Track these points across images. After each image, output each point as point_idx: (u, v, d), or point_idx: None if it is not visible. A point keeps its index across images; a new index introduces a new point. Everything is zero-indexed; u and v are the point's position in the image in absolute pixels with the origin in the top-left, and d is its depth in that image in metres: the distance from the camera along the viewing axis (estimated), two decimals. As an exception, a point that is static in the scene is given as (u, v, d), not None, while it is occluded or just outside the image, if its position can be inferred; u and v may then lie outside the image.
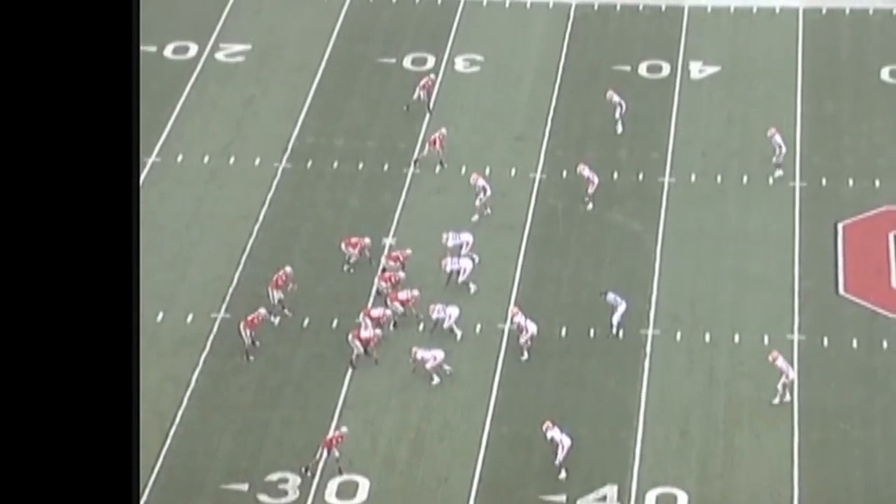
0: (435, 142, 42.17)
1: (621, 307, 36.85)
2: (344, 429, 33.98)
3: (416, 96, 43.94)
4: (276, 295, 37.42)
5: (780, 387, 34.82)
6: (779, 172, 41.30)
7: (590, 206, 40.59)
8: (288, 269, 37.66)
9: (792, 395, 34.86)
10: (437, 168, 42.25)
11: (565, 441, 33.17)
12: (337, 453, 33.41)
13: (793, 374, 34.87)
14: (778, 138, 41.33)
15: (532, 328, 36.20)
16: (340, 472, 33.42)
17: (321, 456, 33.40)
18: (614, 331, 36.81)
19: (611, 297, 37.03)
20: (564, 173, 42.03)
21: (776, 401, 34.79)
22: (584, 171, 40.71)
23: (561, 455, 33.07)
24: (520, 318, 36.39)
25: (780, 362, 34.90)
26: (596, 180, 40.55)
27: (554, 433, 33.25)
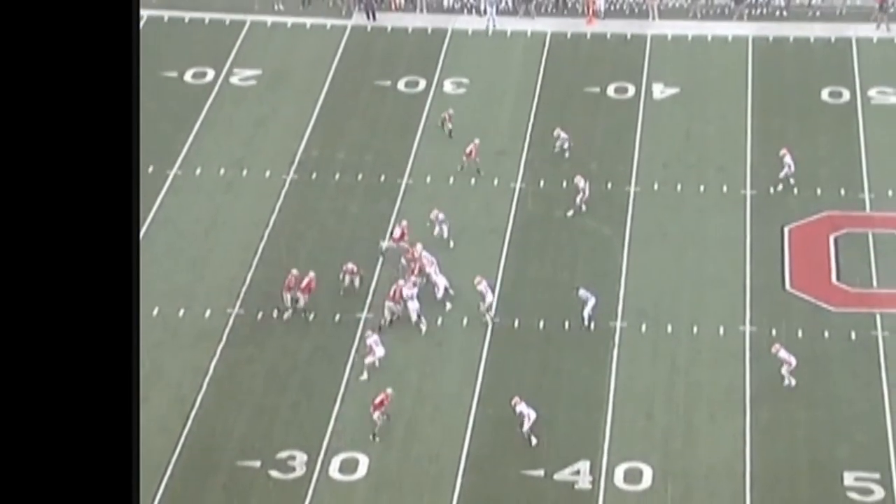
0: (471, 153, 41.83)
1: (591, 301, 36.74)
2: (389, 390, 33.80)
3: (441, 125, 43.40)
4: (289, 296, 37.02)
5: (784, 373, 34.67)
6: (780, 187, 41.00)
7: (580, 211, 40.32)
8: (294, 271, 37.20)
9: (795, 378, 34.72)
10: (473, 179, 41.98)
11: (531, 414, 33.18)
12: (386, 415, 33.49)
13: (794, 361, 34.66)
14: (788, 158, 41.00)
15: (489, 297, 36.43)
16: (374, 438, 33.48)
17: (379, 419, 33.48)
18: (586, 323, 36.69)
19: (582, 292, 36.92)
20: (542, 183, 41.89)
21: (785, 383, 34.65)
22: (580, 182, 40.52)
23: (527, 425, 33.13)
24: (482, 287, 36.41)
25: (783, 353, 34.74)
26: (587, 191, 40.33)
27: (521, 407, 33.25)
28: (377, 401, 33.71)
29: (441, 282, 37.40)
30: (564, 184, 41.41)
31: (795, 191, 41.56)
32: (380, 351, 35.28)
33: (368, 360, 35.38)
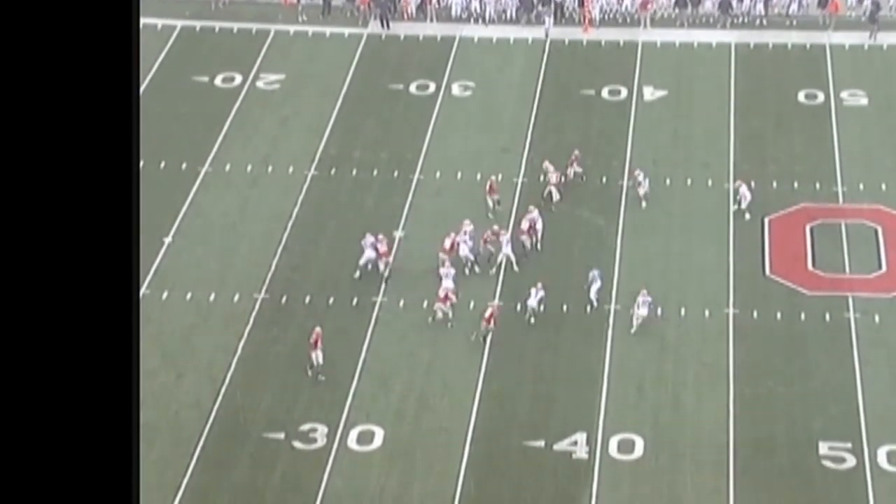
0: (573, 162, 41.10)
1: (597, 284, 36.45)
2: (496, 301, 34.21)
3: (491, 204, 40.45)
4: (316, 356, 34.58)
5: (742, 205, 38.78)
6: (747, 216, 39.95)
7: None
8: (318, 328, 34.79)
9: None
10: (479, 175, 41.54)
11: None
12: (493, 325, 34.54)
13: (749, 196, 38.39)
14: (744, 189, 40.15)
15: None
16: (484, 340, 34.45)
17: (486, 329, 34.34)
18: (594, 303, 36.33)
19: (592, 273, 36.65)
20: (541, 178, 41.60)
21: (743, 206, 38.94)
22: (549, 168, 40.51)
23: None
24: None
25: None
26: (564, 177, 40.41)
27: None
28: (488, 314, 35.13)
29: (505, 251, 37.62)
30: (563, 179, 41.06)
31: (774, 184, 41.27)
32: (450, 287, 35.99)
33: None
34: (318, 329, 34.62)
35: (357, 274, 37.71)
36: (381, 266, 37.71)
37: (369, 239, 37.95)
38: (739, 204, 39.97)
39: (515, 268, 37.68)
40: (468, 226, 38.23)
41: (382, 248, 37.77)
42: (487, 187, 40.25)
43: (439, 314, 36.06)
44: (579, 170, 41.23)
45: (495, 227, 38.25)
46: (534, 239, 38.45)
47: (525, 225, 38.45)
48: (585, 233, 39.63)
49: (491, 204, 39.84)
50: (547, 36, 49.05)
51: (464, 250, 37.74)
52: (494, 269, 37.79)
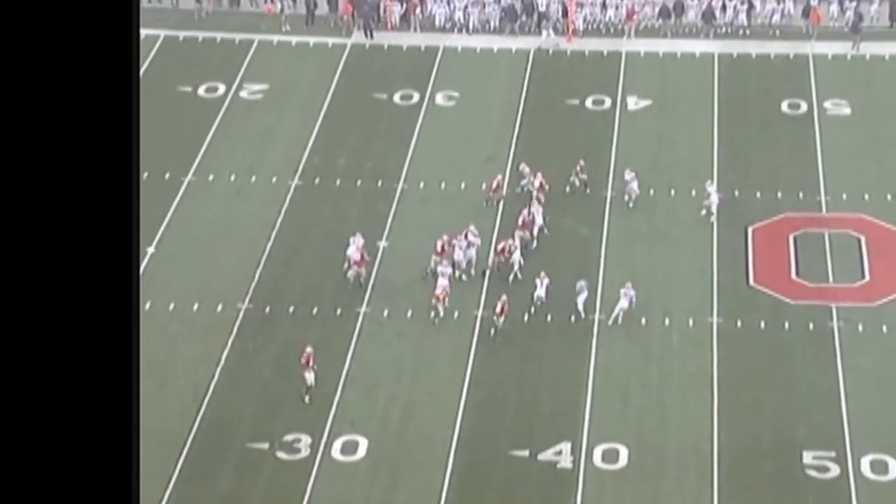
0: (579, 171, 41.47)
1: (583, 294, 36.65)
2: (511, 241, 36.00)
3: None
4: (308, 377, 34.32)
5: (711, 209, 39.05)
6: (712, 219, 40.36)
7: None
8: (309, 349, 34.62)
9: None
10: (463, 184, 41.93)
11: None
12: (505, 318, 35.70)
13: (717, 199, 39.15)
14: (714, 194, 40.51)
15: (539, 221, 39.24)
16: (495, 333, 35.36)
17: (498, 322, 35.67)
18: (581, 314, 36.56)
19: (580, 284, 36.85)
20: (522, 182, 41.74)
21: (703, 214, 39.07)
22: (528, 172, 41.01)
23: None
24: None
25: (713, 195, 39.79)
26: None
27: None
28: (500, 247, 36.87)
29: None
30: (547, 187, 41.26)
31: (758, 194, 41.54)
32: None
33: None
34: (308, 349, 34.42)
35: (346, 265, 37.89)
36: (356, 274, 37.82)
37: (359, 241, 38.08)
38: (708, 209, 40.24)
39: (520, 276, 37.70)
40: (473, 232, 38.39)
41: (356, 255, 37.81)
42: (494, 185, 40.69)
43: (432, 312, 36.45)
44: (584, 177, 41.44)
45: (511, 242, 38.13)
46: (532, 234, 38.95)
47: (520, 220, 39.00)
48: (569, 242, 39.80)
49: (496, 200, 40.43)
50: (549, 46, 49.18)
51: (458, 255, 37.85)
52: (512, 277, 37.83)
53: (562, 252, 39.38)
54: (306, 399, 34.08)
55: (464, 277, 37.98)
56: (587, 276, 37.82)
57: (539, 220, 39.45)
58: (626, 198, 40.75)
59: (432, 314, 36.61)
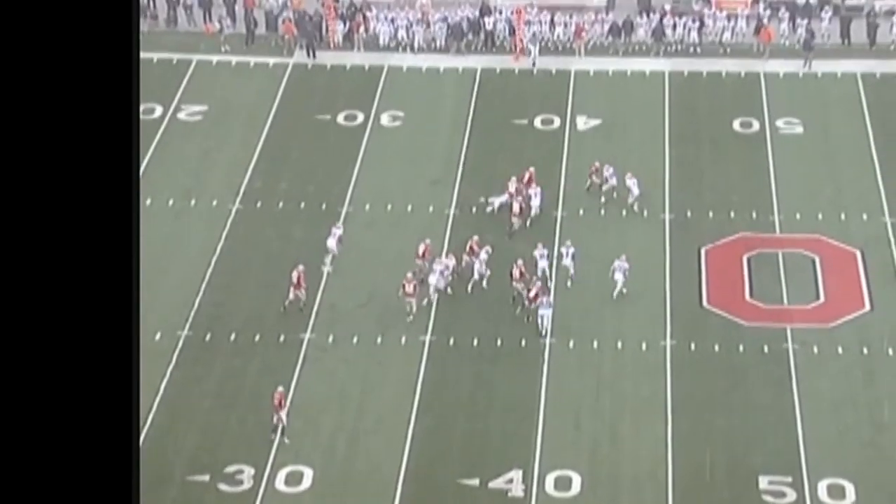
0: (594, 172, 42.81)
1: (548, 313, 37.15)
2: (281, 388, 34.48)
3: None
4: (280, 416, 34.10)
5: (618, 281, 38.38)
6: (636, 208, 41.95)
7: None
8: (280, 388, 34.58)
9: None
10: (410, 206, 42.32)
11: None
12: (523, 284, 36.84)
13: (627, 266, 38.41)
14: (632, 182, 41.92)
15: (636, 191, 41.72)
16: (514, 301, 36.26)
17: (517, 290, 37.24)
18: (542, 334, 37.07)
19: (542, 309, 37.31)
20: (474, 210, 42.08)
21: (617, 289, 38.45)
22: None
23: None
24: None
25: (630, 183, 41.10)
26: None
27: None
28: (517, 274, 37.41)
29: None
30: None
31: (710, 214, 42.06)
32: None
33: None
34: (280, 389, 34.31)
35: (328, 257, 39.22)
36: (296, 298, 38.00)
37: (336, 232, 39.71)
38: (627, 199, 41.53)
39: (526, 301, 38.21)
40: (448, 260, 38.83)
41: (334, 247, 38.87)
42: (526, 178, 41.74)
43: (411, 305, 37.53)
44: (598, 181, 42.39)
45: (536, 286, 38.00)
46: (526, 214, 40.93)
47: (516, 207, 40.65)
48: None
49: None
50: (534, 65, 49.59)
51: (433, 279, 38.28)
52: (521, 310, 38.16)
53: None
54: (285, 441, 33.90)
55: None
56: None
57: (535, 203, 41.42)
58: (630, 199, 41.86)
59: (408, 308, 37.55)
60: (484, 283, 38.76)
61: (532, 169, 41.93)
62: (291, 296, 37.91)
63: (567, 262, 38.97)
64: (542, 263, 39.01)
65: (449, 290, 38.58)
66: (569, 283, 39.02)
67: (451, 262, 38.82)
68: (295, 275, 38.07)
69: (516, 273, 38.22)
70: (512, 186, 41.60)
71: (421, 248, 39.05)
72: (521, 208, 40.97)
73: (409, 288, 37.62)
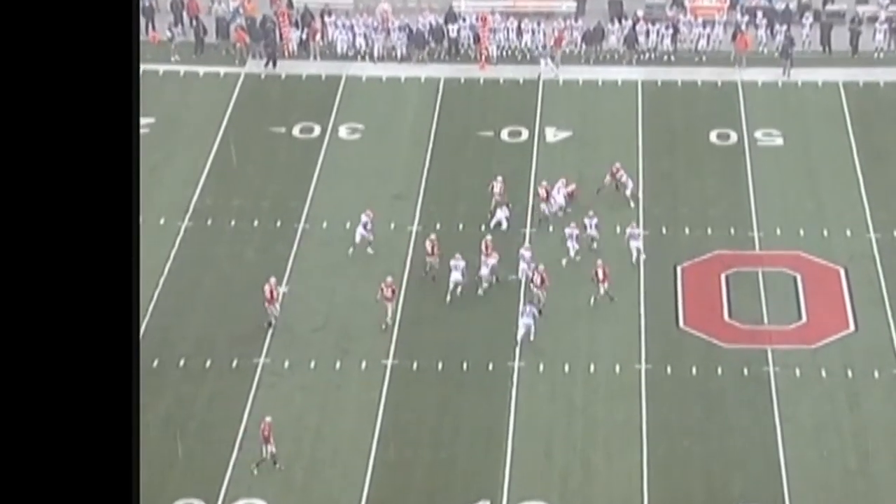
0: (615, 172, 43.38)
1: (532, 325, 37.53)
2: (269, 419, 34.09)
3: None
4: (269, 448, 33.74)
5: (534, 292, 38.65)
6: (632, 204, 42.87)
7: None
8: (268, 418, 34.02)
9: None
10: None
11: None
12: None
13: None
14: (625, 175, 43.17)
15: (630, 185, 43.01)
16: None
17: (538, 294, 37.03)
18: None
19: (526, 317, 37.63)
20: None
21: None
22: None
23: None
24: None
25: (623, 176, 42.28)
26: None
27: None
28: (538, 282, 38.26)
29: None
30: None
31: (686, 230, 42.10)
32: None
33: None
34: (268, 419, 33.87)
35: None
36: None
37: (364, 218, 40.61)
38: (623, 190, 42.83)
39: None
40: (459, 260, 39.26)
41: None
42: (544, 193, 42.37)
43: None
44: (617, 182, 43.31)
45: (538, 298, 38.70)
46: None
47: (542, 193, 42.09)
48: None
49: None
50: (539, 76, 49.66)
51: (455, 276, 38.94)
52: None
53: (479, 295, 39.45)
54: (278, 467, 33.59)
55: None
56: (510, 316, 37.91)
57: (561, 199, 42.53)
58: (628, 194, 42.70)
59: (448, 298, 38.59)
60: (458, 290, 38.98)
61: (489, 237, 40.79)
62: (268, 312, 37.79)
63: (592, 231, 40.55)
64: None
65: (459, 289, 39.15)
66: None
67: (462, 263, 39.21)
68: (267, 289, 37.95)
69: (537, 279, 38.82)
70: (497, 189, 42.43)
71: (428, 245, 39.86)
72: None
73: (388, 292, 37.53)
